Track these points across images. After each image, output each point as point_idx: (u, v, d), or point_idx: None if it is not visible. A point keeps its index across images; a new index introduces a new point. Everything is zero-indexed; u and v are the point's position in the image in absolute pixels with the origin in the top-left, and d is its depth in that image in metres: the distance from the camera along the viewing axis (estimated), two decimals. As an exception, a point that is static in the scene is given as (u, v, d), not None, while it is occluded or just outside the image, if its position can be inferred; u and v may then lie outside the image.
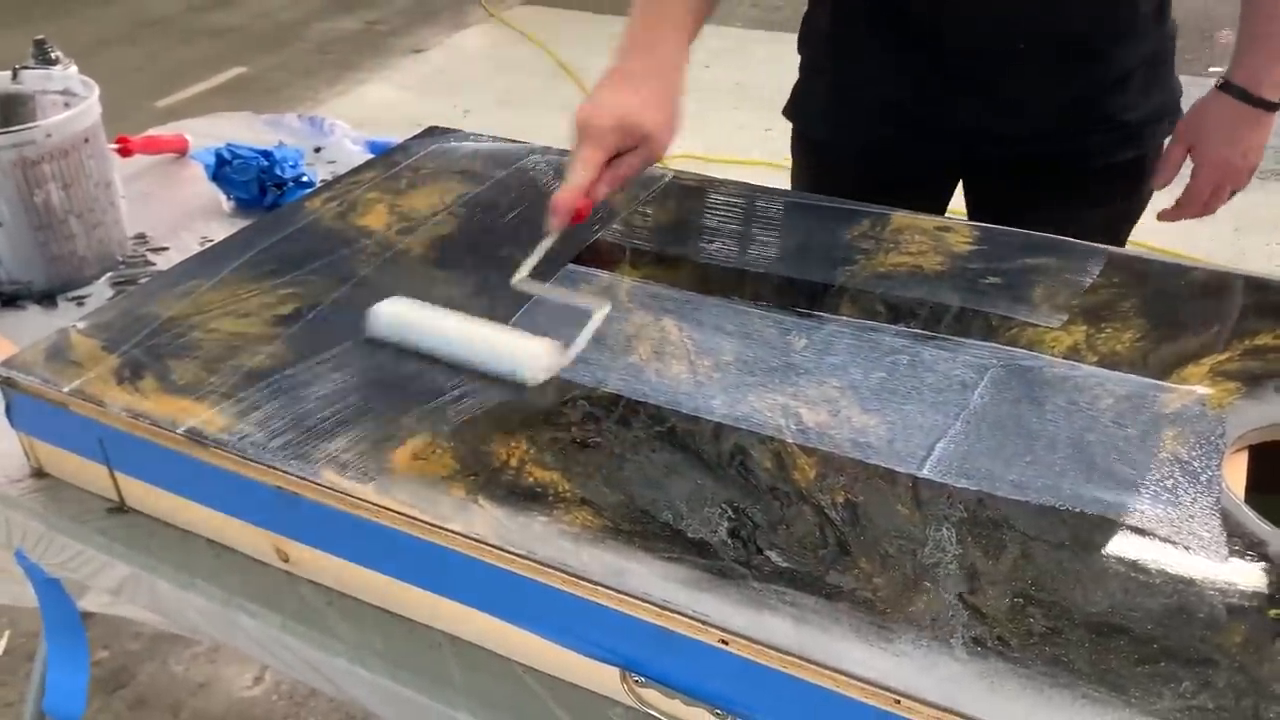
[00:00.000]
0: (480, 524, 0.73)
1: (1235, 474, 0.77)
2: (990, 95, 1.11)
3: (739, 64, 4.17)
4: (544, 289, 0.97)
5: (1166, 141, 1.16)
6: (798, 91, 1.32)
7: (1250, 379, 0.84)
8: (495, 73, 4.34)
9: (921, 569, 0.69)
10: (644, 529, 0.73)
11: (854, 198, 1.10)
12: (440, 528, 0.74)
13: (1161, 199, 1.20)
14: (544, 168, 1.22)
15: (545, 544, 0.72)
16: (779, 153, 3.48)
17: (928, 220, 1.08)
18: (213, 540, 0.88)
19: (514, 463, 0.79)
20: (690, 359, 0.90)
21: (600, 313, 0.92)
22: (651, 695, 0.71)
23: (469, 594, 0.76)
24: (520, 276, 0.97)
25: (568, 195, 0.93)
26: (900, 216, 1.09)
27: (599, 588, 0.69)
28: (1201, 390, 0.83)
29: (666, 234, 1.08)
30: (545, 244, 0.97)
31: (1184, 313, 0.92)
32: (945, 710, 0.60)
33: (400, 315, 0.92)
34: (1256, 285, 0.95)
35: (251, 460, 0.80)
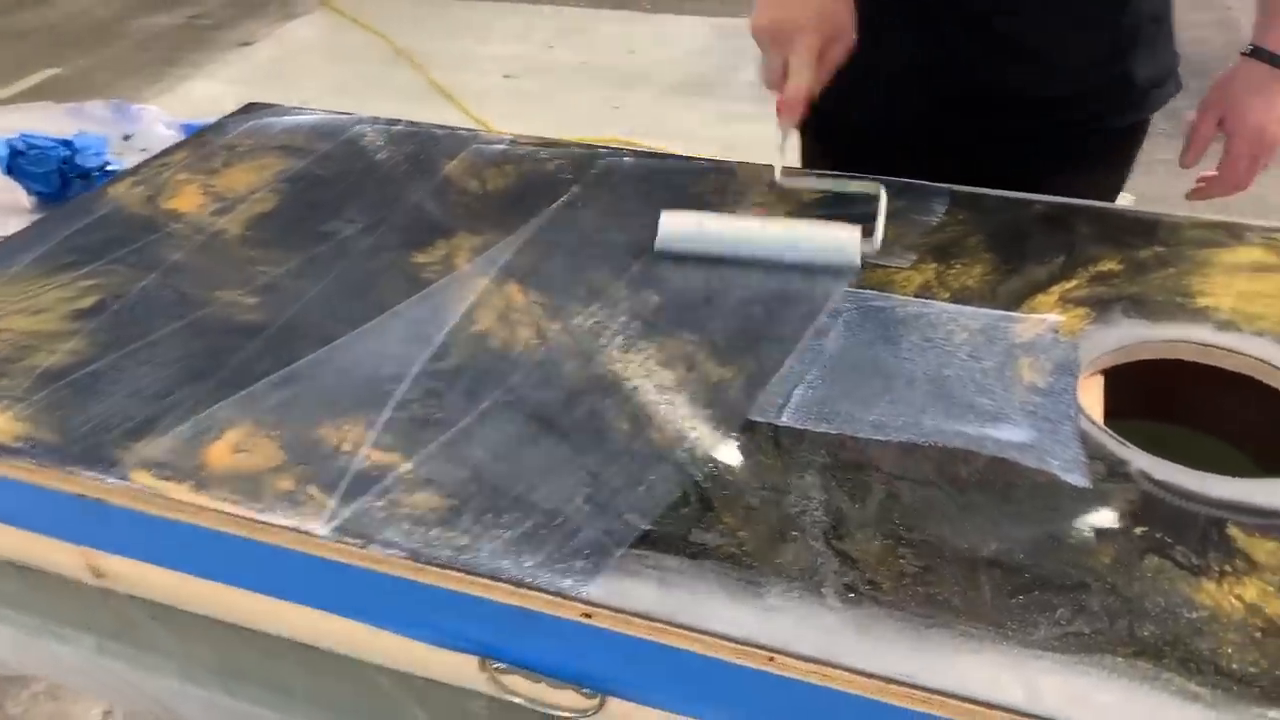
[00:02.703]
0: (312, 517, 0.67)
1: (1092, 399, 0.76)
2: (1014, 55, 1.03)
3: (584, 43, 4.12)
4: (810, 182, 1.00)
5: (1188, 116, 1.08)
6: None
7: (1099, 304, 0.84)
8: (329, 62, 4.17)
9: (787, 518, 0.65)
10: (494, 504, 0.67)
11: (857, 169, 1.04)
12: (268, 524, 0.67)
13: (1183, 180, 1.11)
14: (374, 137, 1.14)
15: (386, 531, 0.66)
16: (632, 130, 3.45)
17: (782, 173, 1.05)
18: (16, 562, 0.78)
19: (347, 446, 0.72)
20: (539, 323, 0.84)
21: (883, 194, 0.94)
22: (515, 681, 0.66)
23: (306, 593, 0.69)
24: (779, 176, 0.99)
25: (796, 91, 0.90)
26: (746, 168, 1.06)
27: (447, 571, 0.63)
28: (1053, 318, 0.82)
29: (505, 200, 1.02)
30: (786, 142, 0.97)
31: (1030, 245, 0.92)
32: (821, 663, 0.57)
33: (696, 223, 0.93)
34: (1097, 215, 0.95)
35: (50, 468, 0.71)
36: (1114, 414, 0.83)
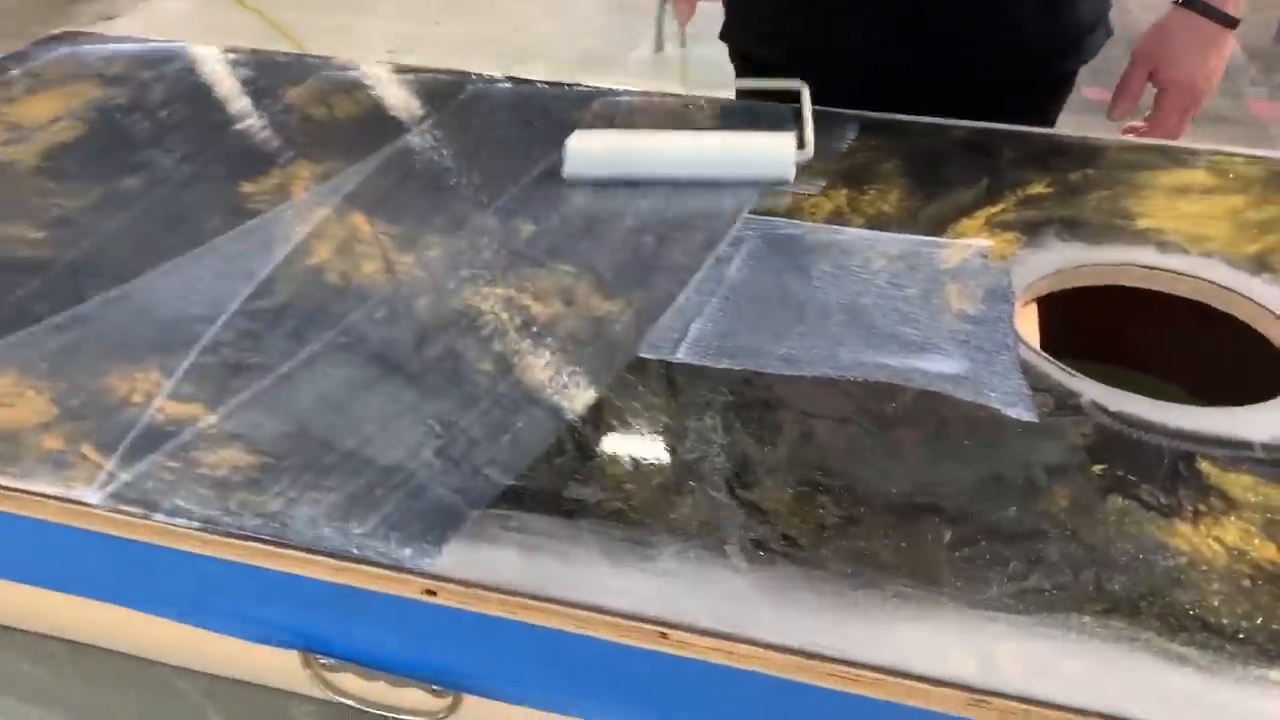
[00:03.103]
0: (84, 482, 0.52)
1: (1028, 327, 0.67)
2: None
3: (472, 17, 3.95)
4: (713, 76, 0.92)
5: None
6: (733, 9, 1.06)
7: (1029, 228, 0.74)
8: (199, 38, 3.92)
9: (683, 466, 0.54)
10: (317, 462, 0.54)
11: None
12: (25, 492, 0.52)
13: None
14: (207, 65, 0.99)
15: (175, 497, 0.52)
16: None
17: (668, 99, 0.93)
18: None
19: (137, 398, 0.58)
20: (386, 256, 0.71)
21: (806, 92, 0.86)
22: (345, 679, 0.53)
23: (77, 579, 0.55)
24: (661, 50, 0.87)
25: None
26: (635, 96, 0.94)
27: (256, 544, 0.50)
28: (980, 242, 0.72)
29: (356, 127, 0.88)
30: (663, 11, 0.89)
31: (949, 169, 0.82)
32: (726, 638, 0.45)
33: (606, 144, 0.81)
34: (1019, 138, 0.86)
35: None
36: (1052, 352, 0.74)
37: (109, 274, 0.69)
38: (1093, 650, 0.45)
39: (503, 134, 0.87)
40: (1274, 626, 0.45)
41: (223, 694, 0.55)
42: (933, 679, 0.43)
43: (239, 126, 0.88)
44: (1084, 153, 0.83)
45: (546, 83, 0.97)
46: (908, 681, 0.44)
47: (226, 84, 0.95)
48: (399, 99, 0.93)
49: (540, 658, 0.49)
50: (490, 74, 0.98)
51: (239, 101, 0.92)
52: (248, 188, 0.79)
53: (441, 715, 0.52)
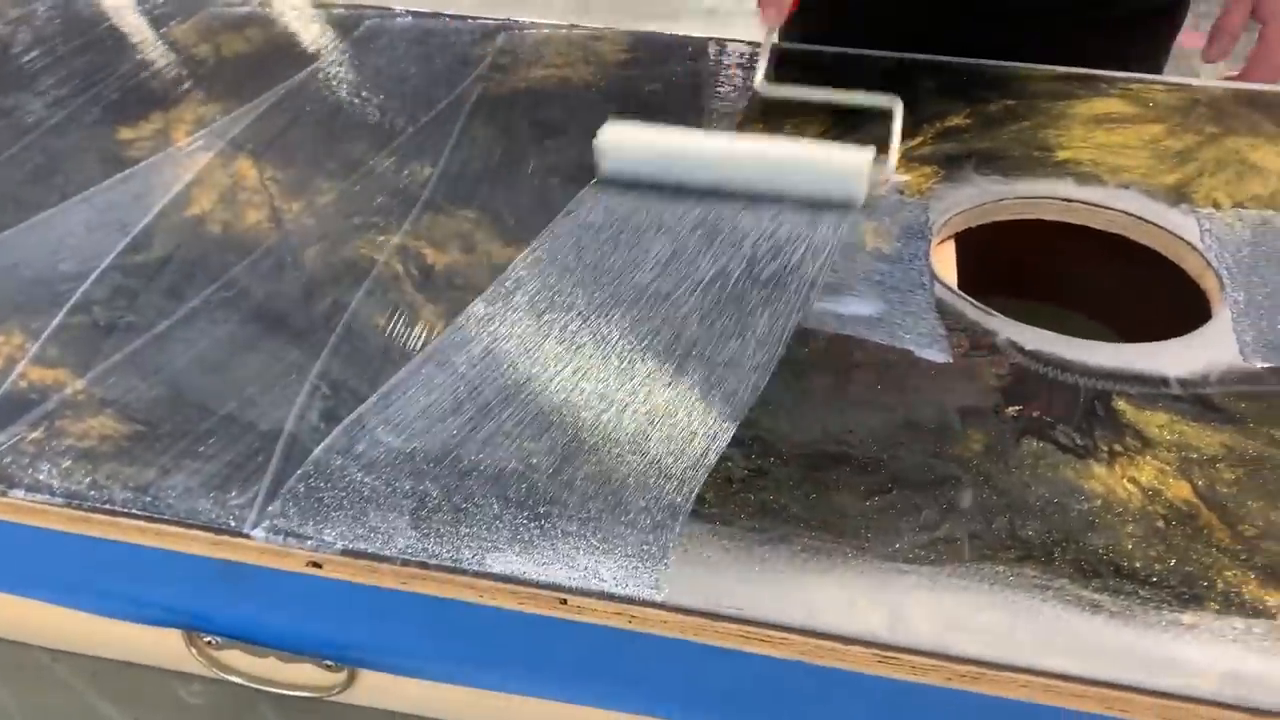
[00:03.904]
0: (-66, 456, 0.48)
1: (945, 265, 0.65)
2: None
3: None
4: (798, 90, 0.74)
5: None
6: None
7: (947, 161, 0.72)
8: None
9: (584, 426, 0.51)
10: (194, 428, 0.50)
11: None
12: None
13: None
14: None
15: (38, 470, 0.48)
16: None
17: (575, 32, 0.89)
18: None
19: (-5, 363, 0.53)
20: (273, 204, 0.67)
21: (898, 108, 0.71)
22: (233, 657, 0.50)
23: (-64, 563, 0.51)
24: (760, 81, 0.75)
25: None
26: (546, 28, 0.89)
27: (126, 520, 0.46)
28: (897, 178, 0.70)
29: (244, 67, 0.83)
30: (768, 42, 0.77)
31: (864, 98, 0.79)
32: (625, 601, 0.43)
33: (649, 143, 0.69)
34: (936, 67, 0.83)
35: None
36: (961, 287, 0.72)
37: (-31, 230, 0.64)
38: (1005, 601, 0.43)
39: (401, 71, 0.82)
40: (1187, 569, 0.44)
41: (107, 677, 0.52)
42: (840, 636, 0.42)
43: (118, 68, 0.82)
44: (1003, 82, 0.81)
45: (449, 15, 0.92)
46: (814, 640, 0.42)
47: (104, 22, 0.89)
48: (290, 36, 0.87)
49: (436, 629, 0.46)
50: (390, 6, 0.92)
51: (118, 40, 0.86)
52: (125, 133, 0.74)
53: (336, 690, 0.50)
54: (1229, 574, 0.44)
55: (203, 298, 0.58)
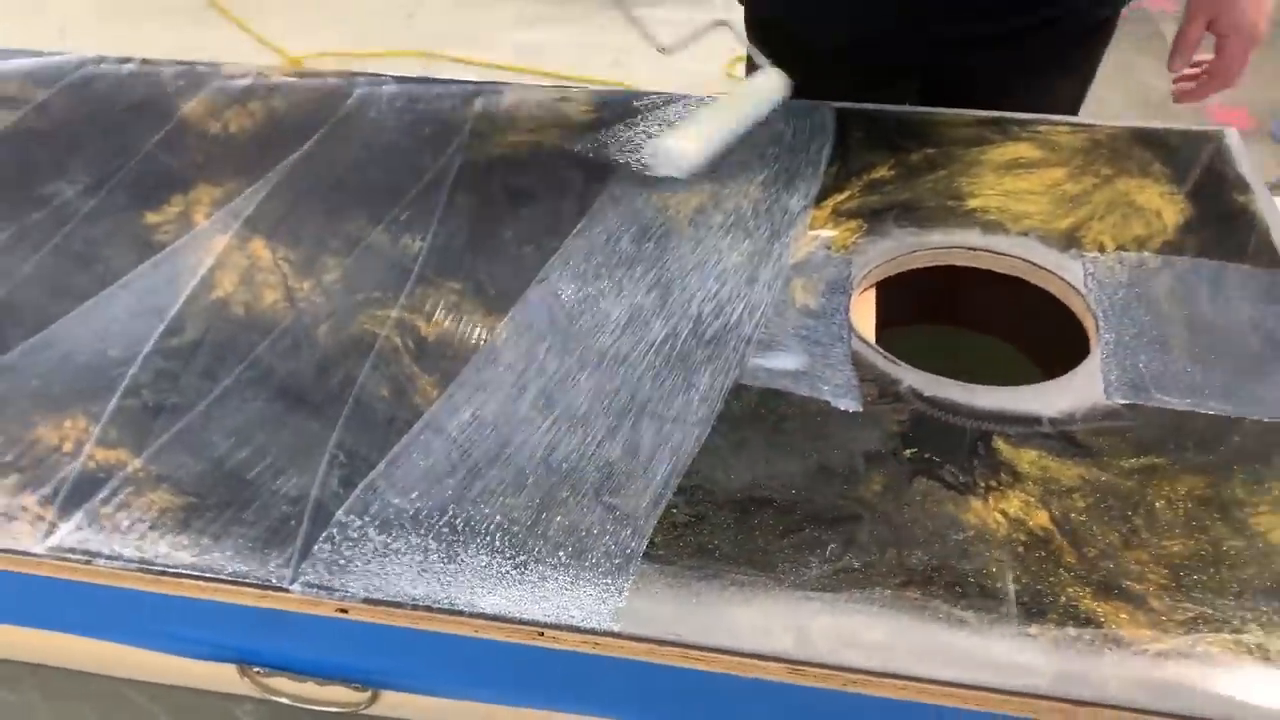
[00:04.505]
0: (26, 533, 0.60)
1: (865, 313, 0.75)
2: None
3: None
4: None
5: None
6: None
7: (871, 215, 0.82)
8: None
9: (556, 481, 0.62)
10: (237, 498, 0.61)
11: (826, 95, 0.97)
12: (-22, 546, 0.59)
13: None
14: (102, 81, 1.02)
15: (113, 541, 0.59)
16: (429, 37, 3.27)
17: (544, 92, 0.99)
18: None
19: (67, 446, 0.65)
20: (287, 284, 0.77)
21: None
22: (279, 682, 0.61)
23: (31, 615, 0.62)
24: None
25: None
26: (514, 90, 0.99)
27: (187, 579, 0.58)
28: (825, 234, 0.80)
29: (249, 144, 0.93)
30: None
31: (806, 156, 0.89)
32: (588, 632, 0.54)
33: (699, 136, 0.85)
34: (869, 117, 0.94)
35: None
36: (895, 322, 0.83)
37: (27, 321, 0.74)
38: (891, 620, 0.55)
39: (392, 142, 0.92)
40: (1038, 587, 0.56)
41: (170, 700, 0.63)
42: (758, 654, 0.53)
43: (138, 149, 0.92)
44: (925, 129, 0.91)
45: (432, 80, 1.02)
46: (738, 658, 0.53)
47: (122, 103, 0.99)
48: (291, 109, 0.97)
49: (440, 657, 0.58)
50: (376, 74, 1.02)
51: (135, 122, 0.96)
52: (152, 218, 0.84)
53: (363, 706, 0.61)
54: (1070, 590, 0.55)
55: (234, 377, 0.69)
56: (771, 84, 0.91)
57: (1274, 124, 2.56)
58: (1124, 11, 1.05)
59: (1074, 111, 1.15)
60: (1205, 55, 1.04)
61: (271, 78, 1.02)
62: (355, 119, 0.95)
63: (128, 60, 1.06)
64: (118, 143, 0.93)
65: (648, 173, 0.86)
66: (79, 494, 0.62)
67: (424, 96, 0.99)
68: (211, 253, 0.80)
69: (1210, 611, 0.54)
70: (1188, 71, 1.07)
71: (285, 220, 0.83)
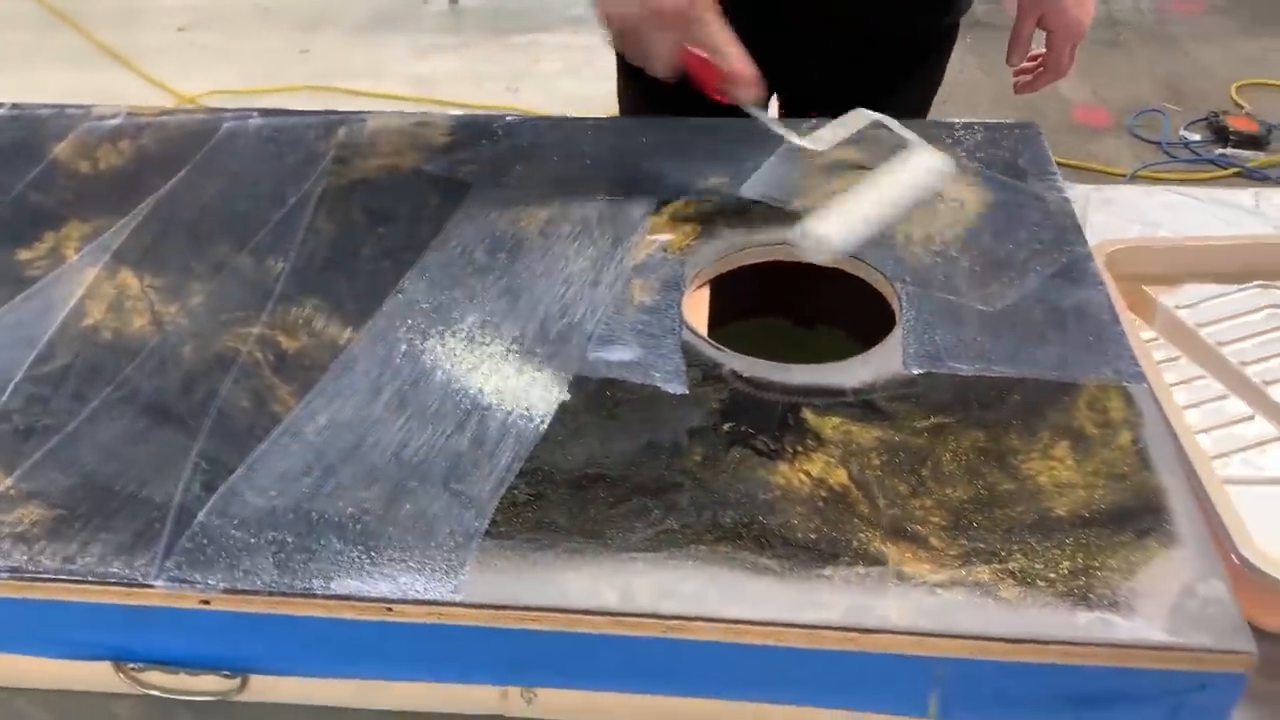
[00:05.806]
0: (-98, 551, 0.63)
1: (697, 310, 0.82)
2: None
3: (264, -14, 3.89)
4: (833, 136, 0.91)
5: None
6: None
7: (704, 219, 0.89)
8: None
9: (405, 475, 0.67)
10: (104, 508, 0.66)
11: (682, 111, 1.00)
12: None
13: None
14: (99, 129, 1.05)
15: (-15, 553, 0.63)
16: (323, 72, 3.30)
17: (404, 119, 1.05)
18: None
19: (-61, 471, 0.68)
20: (153, 309, 0.82)
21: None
22: (152, 676, 0.66)
23: (-89, 632, 0.66)
24: (806, 143, 0.89)
25: (742, 62, 0.84)
26: (376, 118, 1.05)
27: (53, 584, 0.62)
28: (663, 238, 0.87)
29: (119, 180, 0.97)
30: (769, 114, 0.91)
31: (644, 168, 0.96)
32: (432, 603, 0.60)
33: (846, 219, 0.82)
34: (706, 128, 1.01)
35: None
36: (743, 317, 0.90)
37: (-100, 358, 0.77)
38: (704, 572, 0.61)
39: (256, 172, 0.97)
40: (833, 535, 0.63)
41: (55, 704, 0.67)
42: (584, 610, 0.59)
43: (9, 190, 0.96)
44: (760, 139, 0.99)
45: (298, 112, 1.07)
46: (566, 614, 0.59)
47: (-7, 146, 1.02)
48: (158, 146, 1.01)
49: (301, 639, 0.62)
50: (244, 109, 1.07)
51: (7, 163, 0.99)
52: (24, 254, 0.88)
53: (234, 693, 0.66)
54: (862, 535, 0.63)
55: (102, 398, 0.74)
56: (935, 165, 0.87)
57: (1129, 120, 2.75)
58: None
59: (923, 113, 1.26)
60: (1041, 49, 1.19)
61: (141, 117, 1.06)
62: (222, 151, 1.00)
63: (109, 111, 1.08)
64: (-11, 185, 0.96)
65: (795, 254, 0.84)
66: (-49, 514, 0.65)
67: (289, 127, 1.04)
68: (82, 284, 0.84)
69: (982, 545, 0.62)
70: (1025, 65, 1.21)
71: (152, 251, 0.88)
